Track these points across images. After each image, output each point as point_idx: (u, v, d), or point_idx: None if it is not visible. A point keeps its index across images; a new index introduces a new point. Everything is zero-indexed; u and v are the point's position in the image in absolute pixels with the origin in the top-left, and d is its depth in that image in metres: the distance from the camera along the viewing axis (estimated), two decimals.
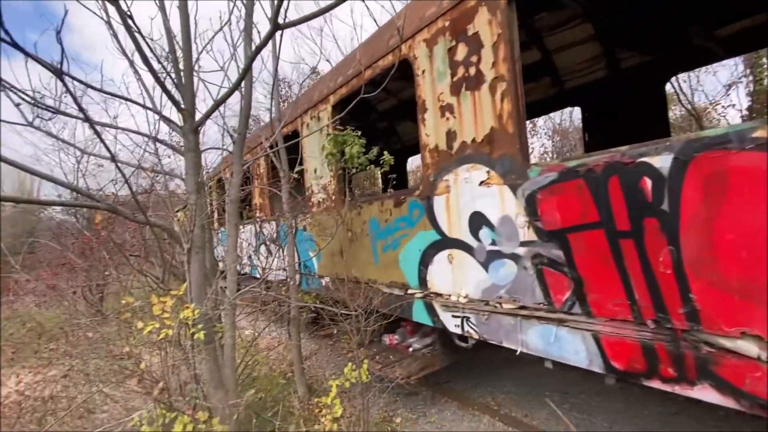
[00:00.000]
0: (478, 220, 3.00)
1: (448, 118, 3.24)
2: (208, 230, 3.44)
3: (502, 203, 2.82)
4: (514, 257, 2.72)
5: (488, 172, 2.91)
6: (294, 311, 4.76)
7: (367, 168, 3.10)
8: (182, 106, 3.16)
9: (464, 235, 3.12)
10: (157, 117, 3.35)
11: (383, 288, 4.11)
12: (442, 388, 4.73)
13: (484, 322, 3.01)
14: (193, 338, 3.11)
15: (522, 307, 2.71)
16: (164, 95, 3.06)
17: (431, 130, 3.40)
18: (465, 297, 3.15)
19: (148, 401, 3.35)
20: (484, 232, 2.96)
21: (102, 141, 2.48)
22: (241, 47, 3.46)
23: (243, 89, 3.53)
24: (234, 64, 4.03)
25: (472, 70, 2.96)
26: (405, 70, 3.61)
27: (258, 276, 6.36)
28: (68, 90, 2.25)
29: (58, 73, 2.18)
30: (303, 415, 4.24)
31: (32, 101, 2.48)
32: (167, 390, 2.72)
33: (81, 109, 2.38)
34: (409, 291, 3.75)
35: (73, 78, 2.50)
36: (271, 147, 4.35)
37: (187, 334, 2.88)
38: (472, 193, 3.04)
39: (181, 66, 3.25)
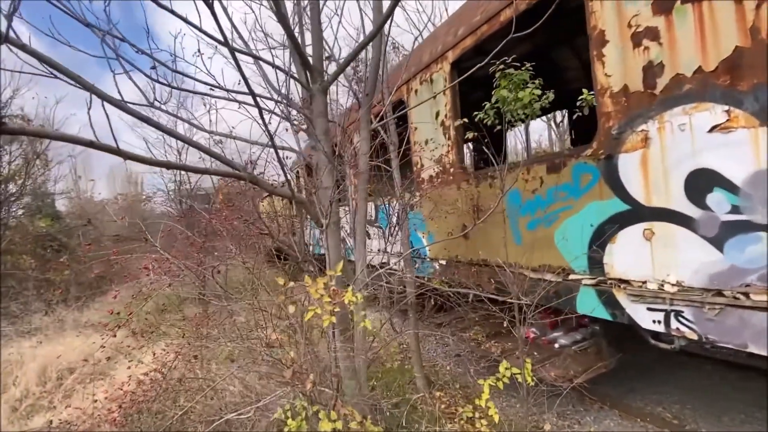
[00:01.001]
0: (704, 181, 2.20)
1: (646, 48, 2.43)
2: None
3: (755, 154, 1.99)
4: None
5: (728, 111, 2.08)
6: (411, 297, 4.33)
7: (531, 118, 2.44)
8: (311, 63, 2.76)
9: (677, 202, 2.34)
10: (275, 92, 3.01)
11: (526, 273, 3.46)
12: (588, 390, 3.99)
13: (713, 318, 2.23)
14: (332, 325, 2.77)
15: None
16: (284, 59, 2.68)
17: (614, 68, 2.62)
18: (675, 284, 2.39)
19: (286, 390, 3.14)
20: (717, 197, 2.16)
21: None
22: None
23: (372, 45, 3.05)
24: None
25: None
26: None
27: (351, 259, 6.09)
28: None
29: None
30: (428, 411, 3.82)
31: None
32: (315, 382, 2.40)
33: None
34: (572, 276, 3.05)
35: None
36: (381, 119, 3.87)
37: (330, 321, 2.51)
38: (694, 144, 2.23)
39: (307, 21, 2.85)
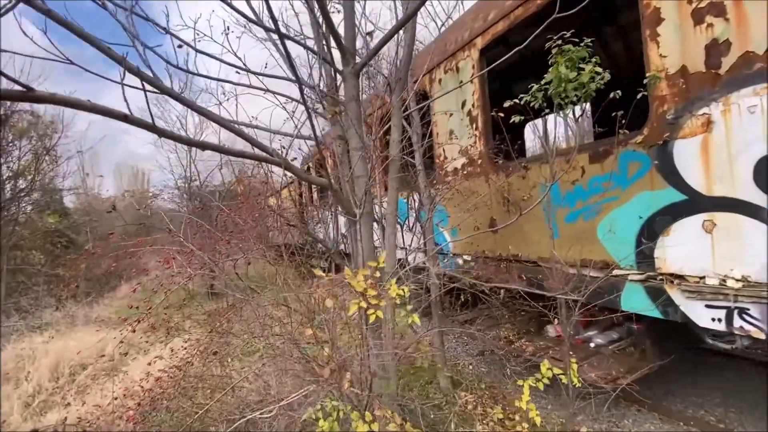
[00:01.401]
0: None
1: (710, 25, 2.25)
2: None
3: None
4: None
5: None
6: (435, 293, 4.18)
7: (583, 101, 2.26)
8: (343, 44, 2.60)
9: (743, 191, 2.16)
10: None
11: (564, 268, 3.29)
12: (623, 392, 3.82)
13: None
14: (368, 321, 2.63)
15: None
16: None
17: (671, 48, 2.44)
18: (740, 280, 2.21)
19: (310, 388, 3.00)
20: None
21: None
22: None
23: (404, 29, 2.89)
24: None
25: None
26: None
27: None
28: None
29: None
30: (455, 411, 3.67)
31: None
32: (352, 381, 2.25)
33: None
34: (617, 272, 2.88)
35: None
36: (405, 109, 3.71)
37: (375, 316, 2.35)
38: (765, 128, 2.06)
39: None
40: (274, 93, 3.10)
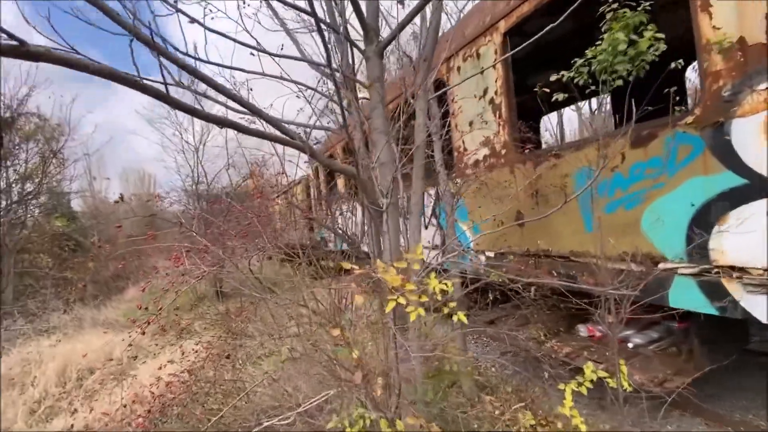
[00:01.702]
0: None
1: None
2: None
3: None
4: None
5: None
6: (458, 293, 3.97)
7: (634, 74, 2.03)
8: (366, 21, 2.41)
9: None
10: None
11: (599, 262, 3.07)
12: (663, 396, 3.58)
13: None
14: (391, 321, 2.44)
15: None
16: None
17: (726, 18, 2.22)
18: None
19: (329, 393, 2.81)
20: None
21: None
22: None
23: (430, 6, 2.70)
24: None
25: None
26: None
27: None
28: None
29: None
30: (484, 415, 3.46)
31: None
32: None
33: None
34: (663, 265, 2.65)
35: None
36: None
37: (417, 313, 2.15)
38: None
39: None
40: (291, 81, 2.92)
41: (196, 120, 14.43)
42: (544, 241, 3.56)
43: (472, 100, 4.23)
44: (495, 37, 3.81)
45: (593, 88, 2.14)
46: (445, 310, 1.84)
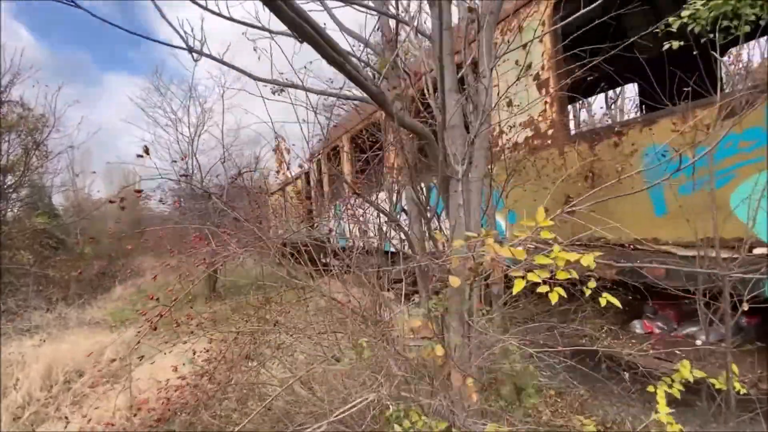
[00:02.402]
0: None
1: None
2: None
3: None
4: None
5: None
6: (498, 287, 3.64)
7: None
8: None
9: None
10: None
11: (673, 249, 2.76)
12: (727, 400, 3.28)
13: None
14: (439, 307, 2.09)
15: None
16: None
17: None
18: None
19: (369, 397, 2.43)
20: None
21: None
22: None
23: None
24: None
25: None
26: None
27: (394, 251, 5.35)
28: None
29: None
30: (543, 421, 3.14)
31: None
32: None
33: None
34: (759, 250, 2.36)
35: None
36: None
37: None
38: None
39: None
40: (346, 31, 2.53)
41: (191, 111, 13.87)
42: (598, 229, 3.24)
43: (511, 78, 3.91)
44: (541, 6, 3.50)
45: (711, 36, 1.82)
46: (589, 287, 1.48)
